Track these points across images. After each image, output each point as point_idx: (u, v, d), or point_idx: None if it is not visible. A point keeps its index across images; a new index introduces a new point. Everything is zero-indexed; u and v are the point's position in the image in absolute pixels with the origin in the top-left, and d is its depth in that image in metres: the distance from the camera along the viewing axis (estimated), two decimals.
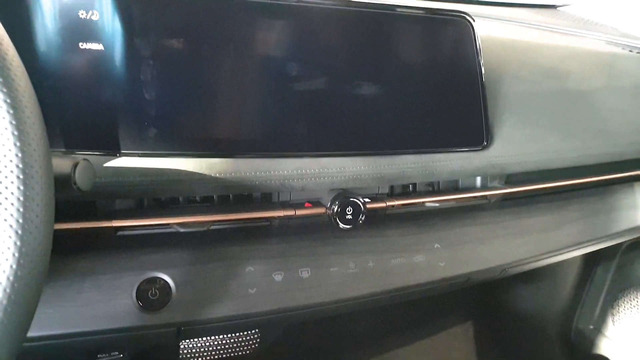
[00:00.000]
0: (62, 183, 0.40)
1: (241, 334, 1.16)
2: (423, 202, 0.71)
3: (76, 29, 0.49)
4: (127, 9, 0.50)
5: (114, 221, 0.54)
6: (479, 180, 0.75)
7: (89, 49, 0.50)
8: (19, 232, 0.31)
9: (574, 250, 0.79)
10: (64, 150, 0.50)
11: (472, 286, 1.52)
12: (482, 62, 0.67)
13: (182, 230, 0.59)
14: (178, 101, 0.53)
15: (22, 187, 0.31)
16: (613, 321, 1.24)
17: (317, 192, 0.64)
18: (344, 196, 0.61)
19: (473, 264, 0.69)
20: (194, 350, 1.13)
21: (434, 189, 0.73)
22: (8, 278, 0.30)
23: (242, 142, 0.56)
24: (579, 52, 0.84)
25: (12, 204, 0.30)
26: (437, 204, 0.72)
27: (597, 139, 0.77)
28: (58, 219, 0.52)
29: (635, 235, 0.91)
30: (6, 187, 0.30)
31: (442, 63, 0.65)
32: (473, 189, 0.74)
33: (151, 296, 0.54)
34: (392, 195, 0.70)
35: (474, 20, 0.66)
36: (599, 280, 1.26)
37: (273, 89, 0.57)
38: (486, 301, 1.52)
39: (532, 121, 0.73)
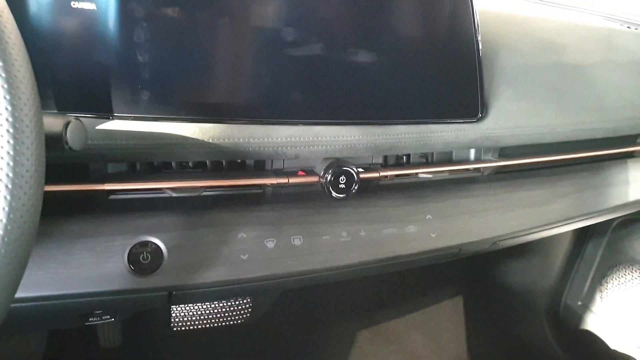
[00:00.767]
0: (53, 142, 0.40)
1: (233, 302, 1.17)
2: (416, 173, 0.71)
3: None
4: None
5: (106, 184, 0.54)
6: (472, 152, 0.75)
7: (82, 9, 0.49)
8: (9, 186, 0.30)
9: (565, 224, 0.80)
10: (56, 111, 0.49)
11: (463, 260, 1.53)
12: (479, 34, 0.66)
13: (174, 195, 0.59)
14: (172, 65, 0.53)
15: (11, 141, 0.31)
16: (601, 297, 1.26)
17: (311, 161, 0.64)
18: (337, 165, 0.61)
19: (464, 236, 0.70)
20: (185, 319, 1.14)
21: (427, 161, 0.73)
22: None
23: (236, 107, 0.56)
24: (577, 26, 0.84)
25: (2, 157, 0.30)
26: (430, 175, 0.72)
27: (592, 114, 0.77)
28: (50, 181, 0.52)
29: (626, 212, 0.92)
30: None
31: (439, 33, 0.65)
32: (466, 161, 0.75)
33: (143, 260, 0.54)
34: (385, 165, 0.70)
35: None
36: (589, 257, 1.28)
37: (268, 54, 0.56)
38: (477, 275, 1.53)
39: (528, 94, 0.73)
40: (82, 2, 0.49)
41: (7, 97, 0.31)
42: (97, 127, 0.50)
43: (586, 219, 0.82)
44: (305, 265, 0.62)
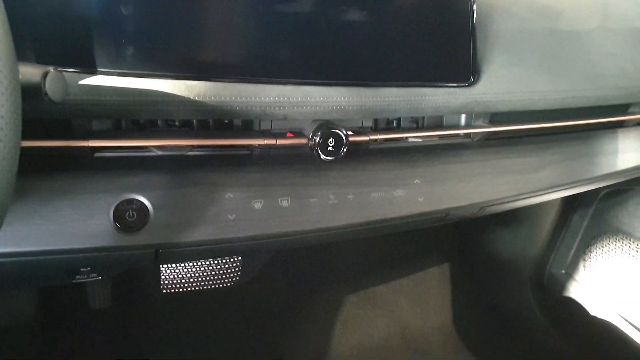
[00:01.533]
0: (32, 93, 0.39)
1: (222, 264, 1.18)
2: (406, 138, 0.71)
3: None
4: None
5: (90, 141, 0.53)
6: (463, 118, 0.75)
7: None
8: None
9: (553, 192, 0.80)
10: (34, 63, 0.48)
11: (450, 227, 1.55)
12: None
13: (160, 153, 0.58)
14: (158, 19, 0.51)
15: None
16: (584, 266, 1.28)
17: (299, 122, 0.63)
18: (326, 127, 0.60)
19: (452, 201, 0.70)
20: (175, 281, 1.15)
21: (417, 126, 0.73)
22: None
23: (223, 64, 0.55)
24: None
25: None
26: (420, 140, 0.71)
27: (584, 82, 0.76)
28: (33, 137, 0.51)
29: (614, 181, 0.92)
30: None
31: None
32: (457, 126, 0.74)
33: (129, 218, 0.54)
34: (375, 129, 0.70)
35: None
36: (575, 227, 1.29)
37: (258, 10, 0.55)
38: (464, 243, 1.55)
39: (521, 60, 0.72)
40: None
41: None
42: (80, 82, 0.49)
43: (574, 187, 0.83)
44: (293, 227, 0.62)
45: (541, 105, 0.73)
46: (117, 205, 0.54)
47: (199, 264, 1.14)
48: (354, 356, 1.40)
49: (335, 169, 0.65)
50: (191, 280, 1.14)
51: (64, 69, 0.48)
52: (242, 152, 0.63)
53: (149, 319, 1.30)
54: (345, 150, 0.61)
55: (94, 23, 0.49)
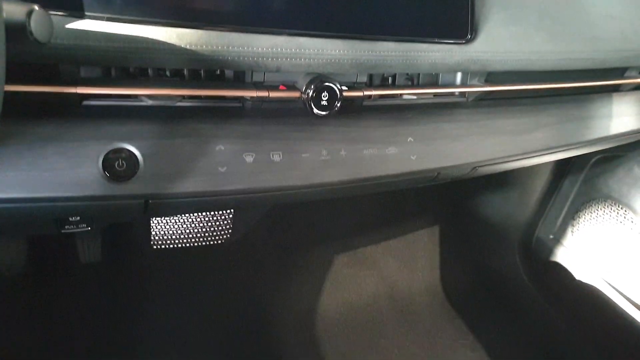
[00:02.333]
0: (16, 32, 0.37)
1: (213, 223, 1.18)
2: (401, 94, 0.70)
3: None
4: None
5: (78, 88, 0.52)
6: (458, 77, 0.74)
7: None
8: None
9: (545, 155, 0.80)
10: (18, 1, 0.46)
11: (441, 190, 1.55)
12: None
13: (150, 103, 0.57)
14: None
15: None
16: (572, 232, 1.30)
17: (293, 75, 0.62)
18: (320, 80, 0.59)
19: (444, 160, 0.70)
20: (165, 236, 1.15)
21: (412, 84, 0.72)
22: None
23: (216, 12, 0.53)
24: None
25: None
26: (414, 97, 0.71)
27: (582, 43, 0.75)
28: (19, 81, 0.50)
29: (606, 146, 0.92)
30: None
31: None
32: (452, 85, 0.73)
33: (118, 167, 0.53)
34: (370, 86, 0.69)
35: None
36: (565, 192, 1.30)
37: None
38: (454, 206, 1.56)
39: (520, 19, 0.71)
40: None
41: None
42: (67, 26, 0.48)
43: (567, 150, 0.83)
44: (285, 181, 0.62)
45: (538, 65, 0.72)
46: (106, 154, 0.53)
47: (190, 219, 1.14)
48: (343, 314, 1.42)
49: (328, 125, 0.64)
50: (182, 236, 1.14)
51: (51, 11, 0.47)
52: (233, 104, 0.62)
53: (139, 274, 1.31)
54: (339, 105, 0.60)
55: None
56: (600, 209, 1.22)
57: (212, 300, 1.35)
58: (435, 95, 0.73)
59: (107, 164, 0.53)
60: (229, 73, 0.61)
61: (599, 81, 0.83)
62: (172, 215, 0.94)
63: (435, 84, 0.74)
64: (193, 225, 1.14)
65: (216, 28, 0.53)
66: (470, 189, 1.51)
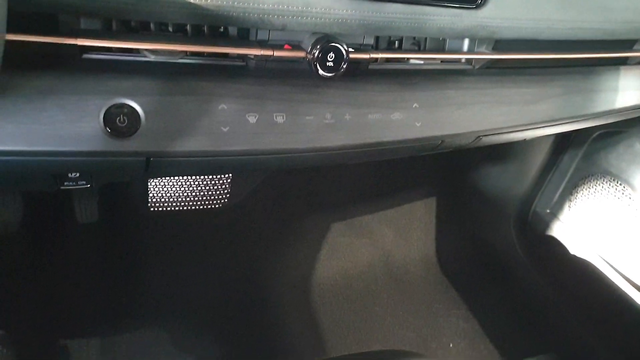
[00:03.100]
0: None
1: (211, 187, 1.18)
2: (407, 59, 0.69)
3: None
4: None
5: (79, 39, 0.51)
6: (466, 44, 0.72)
7: None
8: None
9: (550, 126, 0.79)
10: None
11: (439, 161, 1.55)
12: None
13: (152, 58, 0.55)
14: None
15: None
16: (569, 207, 1.30)
17: (298, 35, 0.61)
18: (326, 40, 0.58)
19: (448, 127, 0.69)
20: (163, 199, 1.15)
21: (419, 49, 0.71)
22: None
23: None
24: None
25: None
26: (421, 62, 0.69)
27: (593, 13, 0.74)
28: (19, 31, 0.48)
29: (610, 120, 0.91)
30: None
31: None
32: (459, 52, 0.72)
33: (119, 123, 0.52)
34: (376, 49, 0.68)
35: None
36: (564, 167, 1.30)
37: None
38: (452, 177, 1.56)
39: None
40: None
41: None
42: None
43: (570, 122, 0.82)
44: (287, 144, 0.61)
45: (546, 34, 0.71)
46: (108, 109, 0.52)
47: (188, 183, 1.13)
48: (338, 281, 1.44)
49: (332, 87, 0.63)
50: (179, 199, 1.14)
51: None
52: (236, 62, 0.60)
53: (135, 236, 1.31)
54: (344, 66, 0.59)
55: None
56: (599, 185, 1.22)
57: (208, 264, 1.36)
58: (442, 61, 0.72)
59: (108, 119, 0.52)
60: (232, 30, 0.60)
61: (607, 53, 0.82)
62: (172, 176, 0.93)
63: (441, 50, 0.72)
64: (191, 188, 1.13)
65: None
66: (469, 161, 1.50)
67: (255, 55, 0.58)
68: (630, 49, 0.85)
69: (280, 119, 0.60)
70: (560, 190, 1.31)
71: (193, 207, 1.17)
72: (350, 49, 0.60)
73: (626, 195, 1.15)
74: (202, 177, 1.13)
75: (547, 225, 1.35)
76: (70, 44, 0.51)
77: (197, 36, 0.58)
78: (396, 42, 0.70)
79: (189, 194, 1.13)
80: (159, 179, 1.08)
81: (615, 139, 1.19)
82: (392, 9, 0.59)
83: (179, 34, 0.58)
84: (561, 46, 0.76)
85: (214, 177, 1.14)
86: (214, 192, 1.16)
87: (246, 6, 0.53)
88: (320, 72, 0.59)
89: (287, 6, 0.54)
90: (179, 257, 1.32)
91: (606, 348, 1.22)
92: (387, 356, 0.72)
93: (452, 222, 1.58)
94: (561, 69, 0.80)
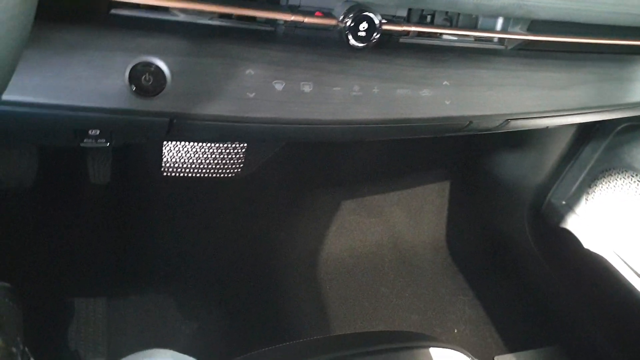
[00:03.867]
0: None
1: (225, 155, 1.17)
2: (440, 34, 0.67)
3: None
4: None
5: None
6: (499, 23, 0.70)
7: None
8: None
9: (580, 114, 0.77)
10: None
11: (457, 144, 1.53)
12: None
13: (181, 17, 0.54)
14: None
15: None
16: (587, 199, 1.28)
17: (330, 3, 0.59)
18: (359, 9, 0.56)
19: (478, 108, 0.67)
20: (176, 165, 1.14)
21: (451, 24, 0.68)
22: None
23: None
24: None
25: None
26: (454, 38, 0.67)
27: None
28: None
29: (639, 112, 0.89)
30: None
31: None
32: (492, 30, 0.70)
33: (145, 81, 0.51)
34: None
35: None
36: (584, 158, 1.28)
37: None
38: (468, 162, 1.54)
39: None
40: None
41: None
42: None
43: (601, 111, 0.80)
44: (313, 114, 0.59)
45: (586, 16, 0.68)
46: (134, 66, 0.51)
47: (203, 149, 1.12)
48: (345, 259, 1.43)
49: (362, 59, 0.61)
50: (193, 165, 1.13)
51: None
52: (265, 27, 0.59)
53: (146, 200, 1.31)
54: (377, 37, 0.57)
55: None
56: (620, 179, 1.20)
57: (217, 233, 1.36)
58: (475, 40, 0.70)
59: (134, 77, 0.51)
60: None
61: None
62: (192, 141, 0.92)
63: (474, 28, 0.70)
64: (205, 155, 1.12)
65: None
66: (486, 146, 1.48)
67: (285, 21, 0.57)
68: None
69: (307, 88, 0.58)
70: (579, 182, 1.29)
71: (206, 175, 1.16)
72: (383, 20, 0.58)
73: None
74: (217, 144, 1.12)
75: (561, 217, 1.33)
76: None
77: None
78: (428, 16, 0.68)
79: (203, 161, 1.13)
80: (174, 143, 1.07)
81: None
82: None
83: None
84: (599, 31, 0.73)
85: (229, 145, 1.13)
86: (227, 161, 1.15)
87: None
88: (352, 42, 0.57)
89: None
90: (189, 224, 1.32)
91: (613, 345, 1.22)
92: (397, 337, 0.72)
93: (464, 207, 1.57)
94: (596, 54, 0.78)
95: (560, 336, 1.31)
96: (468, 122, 0.69)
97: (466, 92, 0.66)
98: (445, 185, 1.58)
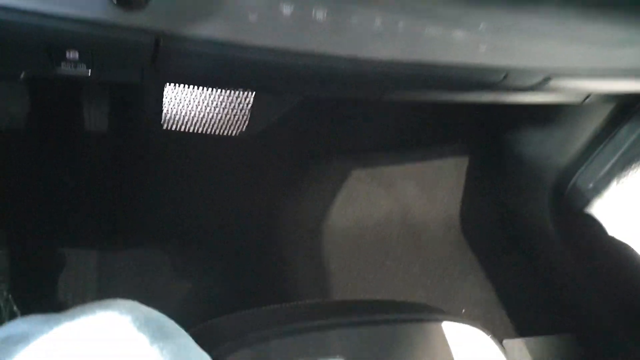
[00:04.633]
0: None
1: (230, 111, 1.08)
2: None
3: None
4: None
5: None
6: None
7: None
8: None
9: (630, 79, 0.68)
10: None
11: (478, 114, 1.43)
12: None
13: None
14: None
15: None
16: (616, 184, 1.18)
17: None
18: None
19: (516, 58, 0.58)
20: (177, 118, 1.06)
21: None
22: None
23: None
24: None
25: None
26: None
27: None
28: None
29: None
30: None
31: None
32: None
33: None
34: None
35: None
36: (619, 140, 1.17)
37: None
38: (489, 137, 1.45)
39: None
40: None
41: None
42: None
43: None
44: (325, 47, 0.51)
45: None
46: None
47: (206, 102, 1.03)
48: (352, 229, 1.36)
49: None
50: (195, 119, 1.04)
51: None
52: None
53: (145, 154, 1.23)
54: None
55: None
56: None
57: (219, 194, 1.28)
58: None
59: None
60: None
61: None
62: (187, 82, 0.84)
63: None
64: (208, 109, 1.04)
65: None
66: (510, 121, 1.39)
67: None
68: None
69: (320, 16, 0.49)
70: (610, 165, 1.19)
71: (209, 130, 1.08)
72: None
73: None
74: (220, 98, 1.03)
75: (586, 201, 1.24)
76: None
77: None
78: None
79: (205, 115, 1.04)
80: (174, 93, 0.98)
81: None
82: None
83: None
84: None
85: (234, 99, 1.04)
86: (232, 117, 1.07)
87: None
88: None
89: None
90: (190, 183, 1.24)
91: (629, 337, 1.14)
92: (407, 308, 0.64)
93: (482, 185, 1.48)
94: None
95: (575, 325, 1.23)
96: (503, 75, 0.60)
97: (505, 38, 0.57)
98: (463, 161, 1.49)
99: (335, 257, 1.27)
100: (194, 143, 1.17)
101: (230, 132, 1.13)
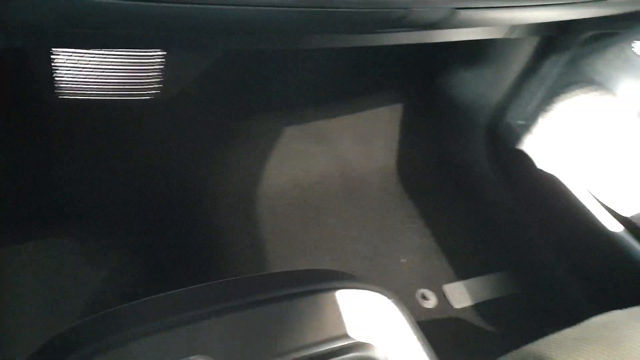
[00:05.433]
0: None
1: (138, 73, 0.98)
2: None
3: None
4: None
5: None
6: None
7: None
8: None
9: (540, 5, 0.64)
10: None
11: (409, 60, 1.38)
12: None
13: None
14: None
15: None
16: (544, 118, 1.18)
17: None
18: None
19: None
20: (74, 84, 0.94)
21: None
22: None
23: None
24: None
25: None
26: None
27: None
28: None
29: (612, 10, 0.76)
30: None
31: None
32: None
33: None
34: None
35: None
36: (544, 73, 1.16)
37: None
38: (422, 82, 1.41)
39: None
40: None
41: None
42: None
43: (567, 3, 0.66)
44: None
45: None
46: None
47: (107, 63, 0.92)
48: (288, 191, 1.31)
49: None
50: (96, 85, 0.93)
51: None
52: None
53: (42, 128, 1.07)
54: None
55: None
56: (581, 94, 1.09)
57: (135, 167, 1.18)
58: None
59: None
60: None
61: None
62: (84, 44, 0.73)
63: None
64: (111, 72, 0.94)
65: None
66: (442, 63, 1.35)
67: None
68: None
69: None
70: (538, 100, 1.18)
71: (115, 96, 0.98)
72: None
73: (608, 107, 1.02)
74: (126, 59, 0.93)
75: (518, 137, 1.23)
76: None
77: None
78: None
79: (108, 80, 0.94)
80: (66, 56, 0.87)
81: (606, 42, 1.04)
82: None
83: None
84: None
85: (143, 59, 0.94)
86: (140, 80, 0.97)
87: None
88: None
89: None
90: (96, 156, 1.11)
91: (565, 268, 1.16)
92: (315, 277, 0.60)
93: (417, 131, 1.45)
94: None
95: (514, 261, 1.24)
96: (405, 13, 0.54)
97: None
98: (398, 108, 1.45)
99: (271, 222, 1.22)
100: (100, 113, 1.04)
101: (140, 96, 1.03)
